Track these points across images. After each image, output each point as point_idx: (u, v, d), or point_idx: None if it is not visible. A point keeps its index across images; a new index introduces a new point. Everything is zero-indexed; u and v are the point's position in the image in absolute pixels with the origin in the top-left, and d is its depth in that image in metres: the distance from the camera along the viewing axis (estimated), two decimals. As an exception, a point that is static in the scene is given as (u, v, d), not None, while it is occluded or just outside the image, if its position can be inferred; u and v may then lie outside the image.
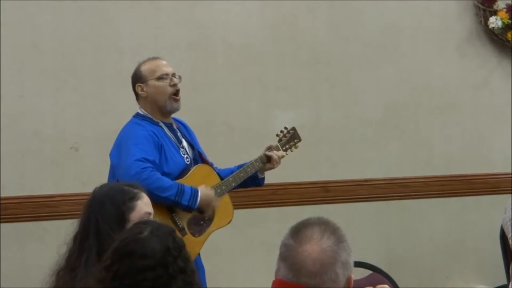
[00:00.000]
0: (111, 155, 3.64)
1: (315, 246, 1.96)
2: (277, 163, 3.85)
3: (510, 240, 3.98)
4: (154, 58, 3.76)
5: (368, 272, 4.13)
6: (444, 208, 5.19)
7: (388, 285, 2.27)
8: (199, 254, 3.72)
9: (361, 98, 5.03)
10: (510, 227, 3.97)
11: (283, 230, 2.08)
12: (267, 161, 3.84)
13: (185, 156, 3.68)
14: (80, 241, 2.54)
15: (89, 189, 2.71)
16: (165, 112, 3.69)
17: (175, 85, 3.67)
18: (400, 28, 5.11)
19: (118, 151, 3.59)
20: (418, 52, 5.15)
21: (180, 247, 2.10)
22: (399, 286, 4.18)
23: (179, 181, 3.58)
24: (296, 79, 4.92)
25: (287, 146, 3.97)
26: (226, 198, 3.77)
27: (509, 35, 5.17)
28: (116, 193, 2.62)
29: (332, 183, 4.62)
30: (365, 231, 4.97)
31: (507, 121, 5.27)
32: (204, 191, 3.60)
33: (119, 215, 2.56)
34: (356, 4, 5.00)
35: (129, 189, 2.66)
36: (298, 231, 2.01)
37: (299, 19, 4.91)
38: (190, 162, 3.71)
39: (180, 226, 3.57)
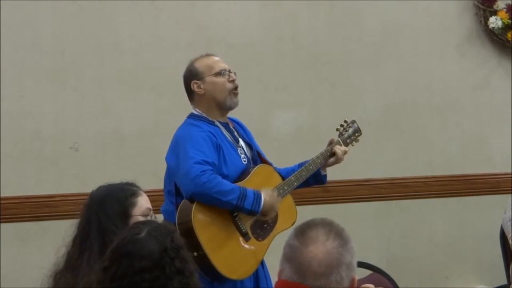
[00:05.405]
0: (167, 158, 3.45)
1: (320, 247, 1.97)
2: (341, 158, 3.68)
3: (510, 240, 3.98)
4: (208, 55, 3.57)
5: (368, 272, 4.13)
6: (444, 208, 5.19)
7: (388, 285, 2.28)
8: (262, 260, 3.52)
9: (361, 98, 5.03)
10: (510, 227, 3.98)
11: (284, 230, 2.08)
12: (330, 157, 3.68)
13: (242, 156, 3.51)
14: (81, 241, 2.55)
15: (89, 189, 2.71)
16: (224, 109, 3.52)
17: (233, 80, 3.52)
18: (400, 28, 5.11)
19: (175, 154, 3.40)
20: (418, 52, 5.15)
21: (178, 248, 2.10)
22: (399, 286, 4.18)
23: (240, 183, 3.39)
24: (296, 79, 4.91)
25: (348, 141, 3.80)
26: (289, 199, 3.60)
27: (509, 35, 5.17)
28: (116, 190, 2.64)
29: (332, 183, 4.58)
30: (365, 231, 4.97)
31: (507, 121, 5.27)
32: (267, 194, 3.41)
33: (122, 210, 2.59)
34: (356, 4, 5.00)
35: (129, 187, 2.68)
36: (303, 232, 2.01)
37: (299, 19, 4.91)
38: (248, 162, 3.53)
39: (243, 230, 3.37)
